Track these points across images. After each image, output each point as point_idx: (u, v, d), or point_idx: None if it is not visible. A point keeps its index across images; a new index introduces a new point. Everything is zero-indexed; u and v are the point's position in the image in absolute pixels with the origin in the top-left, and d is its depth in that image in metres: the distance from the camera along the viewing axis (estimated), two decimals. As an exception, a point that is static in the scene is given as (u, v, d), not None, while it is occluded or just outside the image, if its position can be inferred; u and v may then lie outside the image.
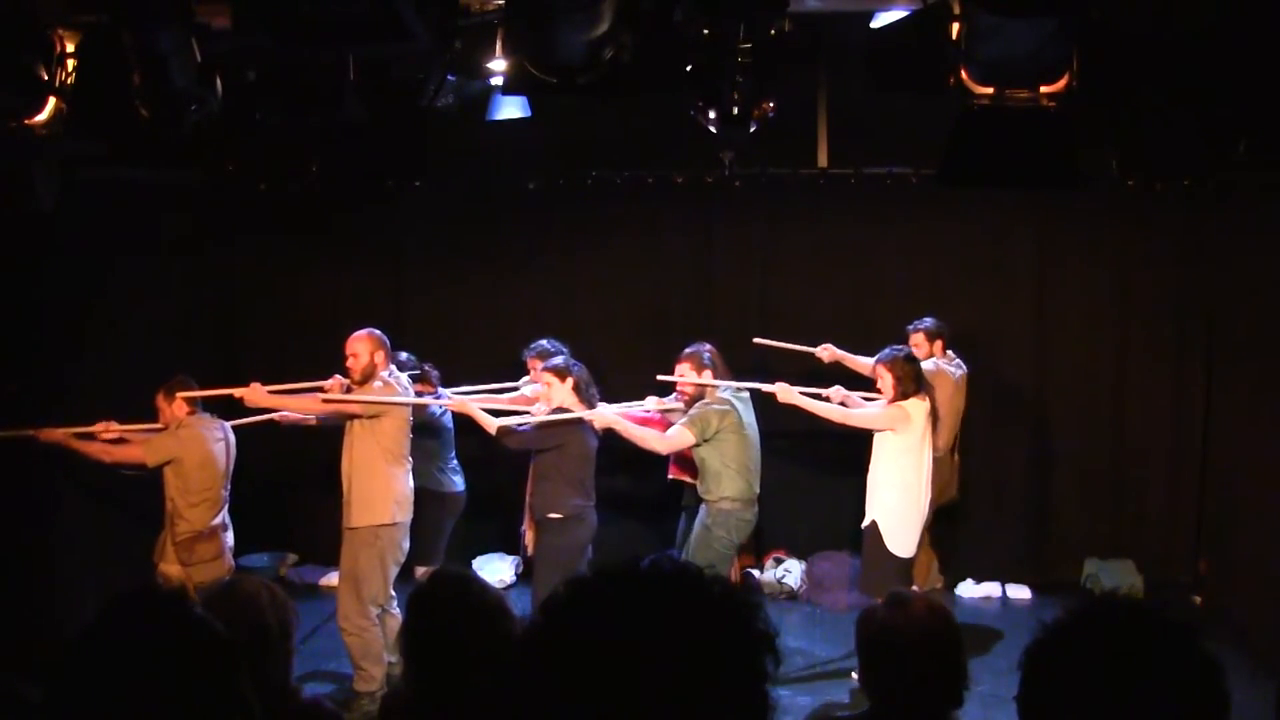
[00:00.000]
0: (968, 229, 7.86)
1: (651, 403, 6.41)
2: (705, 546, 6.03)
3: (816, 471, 7.85)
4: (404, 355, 6.53)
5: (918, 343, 6.94)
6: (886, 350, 6.08)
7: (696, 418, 5.99)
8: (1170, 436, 7.85)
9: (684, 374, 6.16)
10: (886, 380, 5.88)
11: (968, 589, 7.86)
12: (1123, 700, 1.43)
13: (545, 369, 6.09)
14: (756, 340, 7.11)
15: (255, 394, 5.80)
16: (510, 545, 7.79)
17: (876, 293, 7.57)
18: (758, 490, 6.20)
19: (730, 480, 6.02)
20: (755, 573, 7.99)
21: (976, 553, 7.93)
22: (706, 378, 6.15)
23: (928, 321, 7.02)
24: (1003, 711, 1.62)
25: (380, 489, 5.77)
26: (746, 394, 6.30)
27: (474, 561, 8.01)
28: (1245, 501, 7.07)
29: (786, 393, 6.00)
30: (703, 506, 6.16)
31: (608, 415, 6.00)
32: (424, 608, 2.69)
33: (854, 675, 6.19)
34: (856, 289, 7.84)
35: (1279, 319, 6.66)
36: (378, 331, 5.91)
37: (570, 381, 5.95)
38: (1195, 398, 7.75)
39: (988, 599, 7.82)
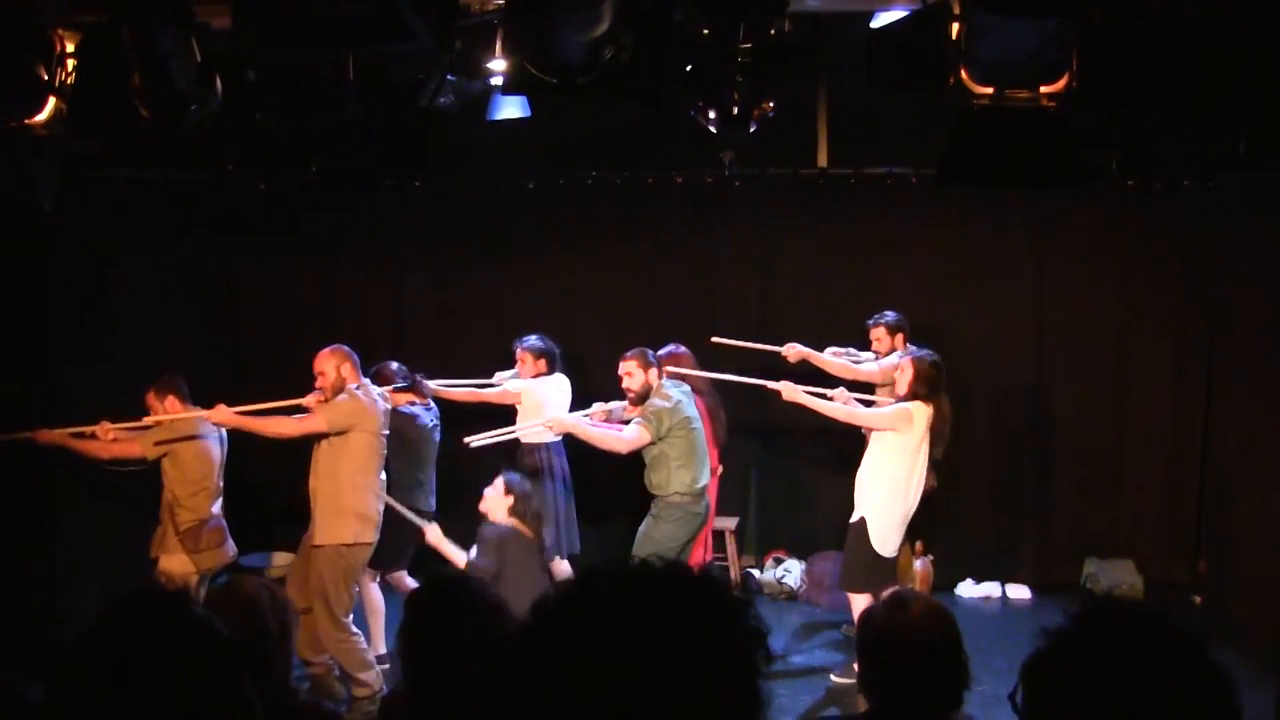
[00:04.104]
0: (968, 229, 7.86)
1: (596, 407, 6.42)
2: (647, 539, 6.07)
3: (816, 471, 7.85)
4: (394, 365, 6.48)
5: (879, 337, 6.91)
6: (916, 349, 6.18)
7: (651, 416, 6.05)
8: (1170, 436, 7.85)
9: (631, 372, 6.21)
10: (907, 374, 5.90)
11: (968, 589, 7.86)
12: (1129, 714, 1.41)
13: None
14: (715, 339, 6.99)
15: (220, 415, 5.70)
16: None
17: (876, 293, 7.56)
18: (704, 483, 6.23)
19: (680, 475, 6.07)
20: (755, 573, 7.99)
21: (976, 553, 7.93)
22: (653, 375, 6.21)
23: (889, 315, 6.94)
24: (1003, 711, 1.61)
25: (342, 507, 5.66)
26: (688, 389, 6.35)
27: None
28: (1245, 501, 7.07)
29: (791, 391, 6.02)
30: (653, 501, 6.18)
31: (566, 420, 6.16)
32: (422, 608, 2.69)
33: (833, 677, 6.22)
34: (856, 289, 7.84)
35: (1279, 319, 6.67)
36: (343, 346, 5.84)
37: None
38: (1195, 397, 7.74)
39: (988, 599, 7.82)
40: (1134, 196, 7.43)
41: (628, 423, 6.21)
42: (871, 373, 6.71)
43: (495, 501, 5.52)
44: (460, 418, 6.63)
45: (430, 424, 6.51)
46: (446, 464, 6.71)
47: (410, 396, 6.42)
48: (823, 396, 6.09)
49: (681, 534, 6.14)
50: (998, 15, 3.76)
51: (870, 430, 6.06)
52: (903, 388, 5.92)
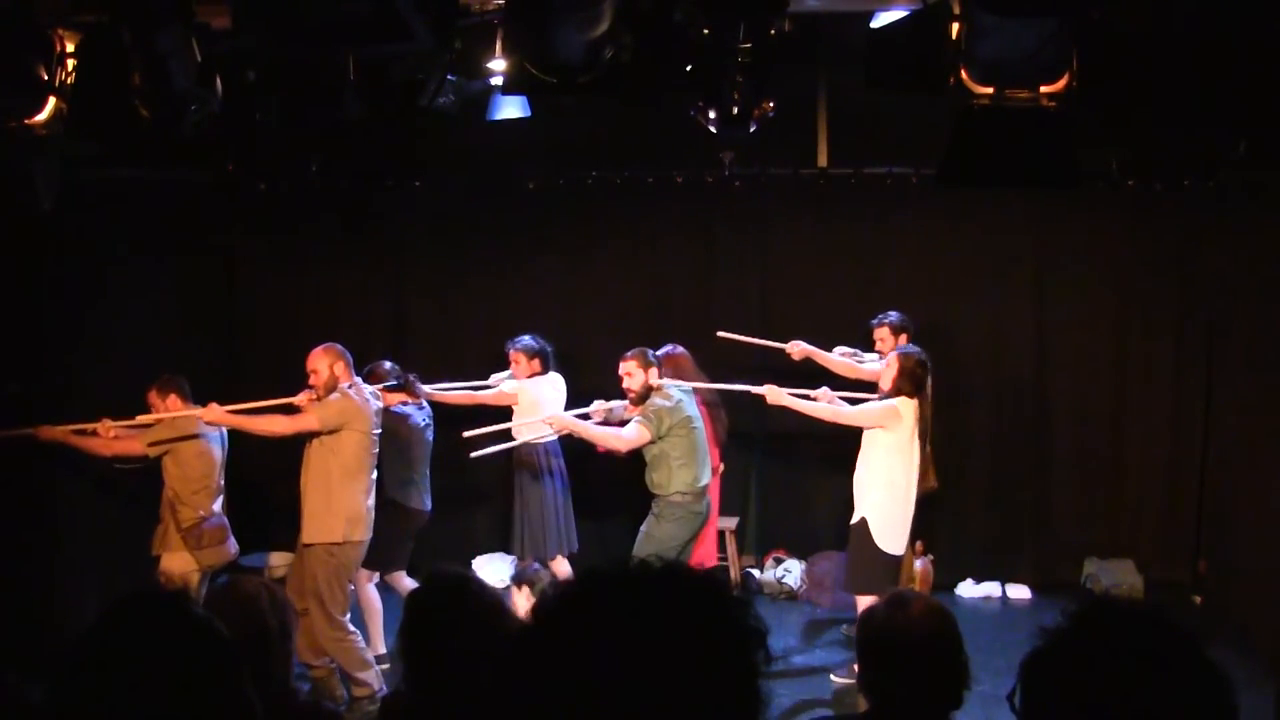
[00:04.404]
0: (968, 229, 7.86)
1: (596, 405, 6.43)
2: (648, 538, 6.07)
3: (816, 471, 7.85)
4: (387, 364, 6.47)
5: (883, 337, 6.91)
6: (907, 345, 6.20)
7: (651, 415, 6.06)
8: (1170, 436, 7.85)
9: (631, 372, 6.21)
10: (892, 370, 5.90)
11: (968, 589, 7.86)
12: (1126, 713, 1.41)
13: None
14: (720, 334, 7.03)
15: (213, 413, 5.71)
16: (506, 545, 7.77)
17: (876, 293, 7.57)
18: (706, 482, 6.25)
19: (681, 474, 6.08)
20: (755, 573, 7.99)
21: (976, 553, 7.93)
22: (653, 375, 6.20)
23: (892, 315, 6.95)
24: (1002, 711, 1.61)
25: (331, 506, 5.67)
26: (689, 389, 6.36)
27: (474, 562, 8.01)
28: (1245, 501, 7.07)
29: (776, 394, 6.03)
30: (654, 501, 6.19)
31: (567, 419, 6.21)
32: (422, 608, 2.69)
33: (833, 677, 6.23)
34: (856, 289, 7.84)
35: (1279, 319, 6.67)
36: (336, 345, 5.84)
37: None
38: (1195, 397, 7.74)
39: (988, 599, 7.82)
40: (1134, 196, 7.43)
41: (628, 422, 6.22)
42: (875, 372, 6.71)
43: (520, 604, 5.48)
44: (457, 419, 6.63)
45: (423, 423, 6.50)
46: (445, 465, 6.72)
47: (403, 396, 6.42)
48: (806, 397, 6.10)
49: (683, 533, 6.14)
50: (997, 15, 3.76)
51: (862, 430, 6.07)
52: (887, 383, 5.92)
